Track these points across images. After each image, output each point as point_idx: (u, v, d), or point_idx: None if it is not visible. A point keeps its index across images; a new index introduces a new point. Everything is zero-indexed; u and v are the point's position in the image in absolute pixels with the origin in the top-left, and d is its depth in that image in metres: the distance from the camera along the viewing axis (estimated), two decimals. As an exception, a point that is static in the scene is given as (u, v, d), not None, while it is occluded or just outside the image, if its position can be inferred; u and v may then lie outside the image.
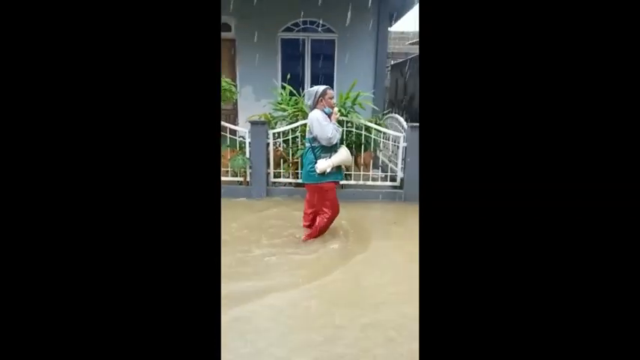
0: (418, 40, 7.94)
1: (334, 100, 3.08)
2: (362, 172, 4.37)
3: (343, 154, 2.99)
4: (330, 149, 2.95)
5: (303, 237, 3.14)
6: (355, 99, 4.36)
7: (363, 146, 4.34)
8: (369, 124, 4.24)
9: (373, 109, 4.97)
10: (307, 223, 3.23)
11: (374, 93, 5.51)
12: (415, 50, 9.45)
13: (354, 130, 4.27)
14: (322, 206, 3.07)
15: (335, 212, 3.10)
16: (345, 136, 4.29)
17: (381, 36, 6.02)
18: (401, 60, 10.69)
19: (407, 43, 9.92)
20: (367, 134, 4.26)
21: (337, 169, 3.00)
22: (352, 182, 4.37)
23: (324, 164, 2.90)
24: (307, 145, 3.02)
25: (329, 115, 2.96)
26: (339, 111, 3.40)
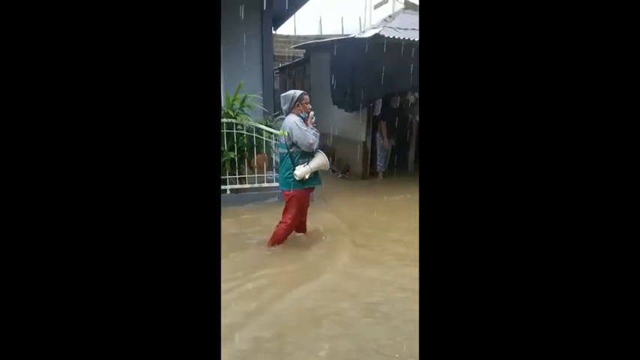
0: (303, 43, 8.24)
1: (310, 105, 3.06)
2: (256, 175, 4.33)
3: (321, 159, 2.97)
4: (308, 155, 2.93)
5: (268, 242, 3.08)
6: (243, 101, 4.29)
7: (255, 148, 4.30)
8: (260, 125, 4.22)
9: (263, 110, 4.97)
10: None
11: (262, 95, 5.51)
12: (300, 54, 9.79)
13: (244, 132, 4.20)
14: (287, 214, 3.02)
15: (295, 224, 3.11)
16: (236, 139, 4.19)
17: (265, 38, 6.05)
18: (288, 63, 10.94)
19: (291, 46, 10.21)
20: (259, 136, 4.24)
21: (314, 174, 2.98)
22: (247, 185, 4.30)
23: (303, 170, 2.86)
24: (283, 150, 2.96)
25: (304, 120, 2.94)
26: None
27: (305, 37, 11.69)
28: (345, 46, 5.61)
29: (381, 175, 5.99)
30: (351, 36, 5.76)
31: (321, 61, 7.05)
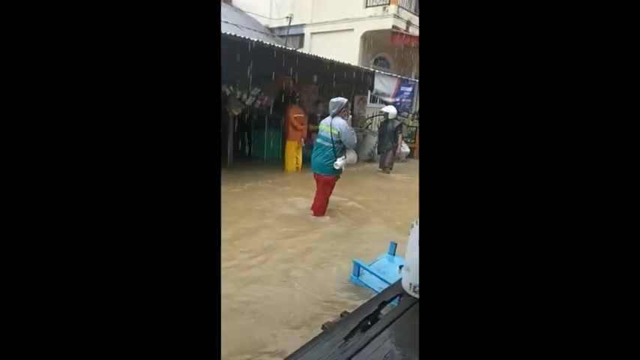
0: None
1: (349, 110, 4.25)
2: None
3: (353, 155, 4.11)
4: (345, 150, 3.90)
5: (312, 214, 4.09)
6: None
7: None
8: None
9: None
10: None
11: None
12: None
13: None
14: (324, 191, 4.05)
15: (328, 198, 4.13)
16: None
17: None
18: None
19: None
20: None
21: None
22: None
23: (341, 162, 3.86)
24: (327, 144, 3.86)
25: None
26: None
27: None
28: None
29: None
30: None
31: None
